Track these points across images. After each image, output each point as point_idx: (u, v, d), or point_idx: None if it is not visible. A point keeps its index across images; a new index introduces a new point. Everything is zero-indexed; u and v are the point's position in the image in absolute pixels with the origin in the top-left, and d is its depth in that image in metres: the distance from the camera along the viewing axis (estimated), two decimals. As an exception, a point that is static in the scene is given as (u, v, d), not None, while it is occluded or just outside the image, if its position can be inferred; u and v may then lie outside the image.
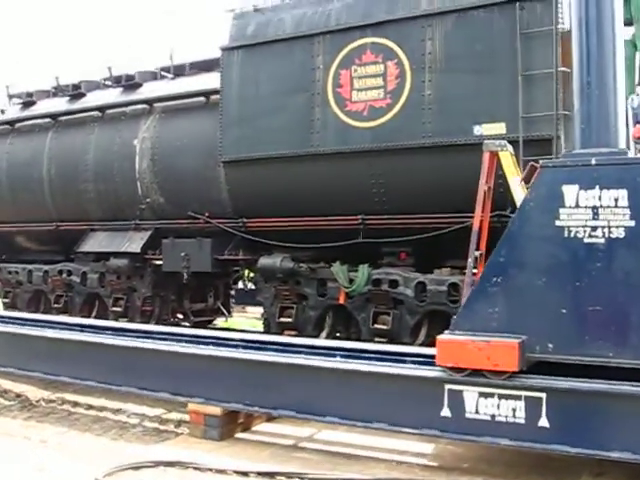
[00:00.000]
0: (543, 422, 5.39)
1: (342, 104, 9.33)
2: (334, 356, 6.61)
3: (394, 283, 9.35)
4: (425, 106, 8.82)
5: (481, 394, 5.55)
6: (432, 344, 9.14)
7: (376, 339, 9.48)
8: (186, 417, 7.06)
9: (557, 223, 5.44)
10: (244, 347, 7.20)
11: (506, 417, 5.49)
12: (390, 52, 9.04)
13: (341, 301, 9.71)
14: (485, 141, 6.33)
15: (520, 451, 5.71)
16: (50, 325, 8.74)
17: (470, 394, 5.58)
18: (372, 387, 6.07)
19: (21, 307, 13.57)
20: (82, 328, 8.45)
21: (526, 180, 6.06)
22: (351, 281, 9.55)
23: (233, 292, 14.09)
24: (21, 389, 8.65)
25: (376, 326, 9.41)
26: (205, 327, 13.15)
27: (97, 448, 6.52)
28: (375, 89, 9.11)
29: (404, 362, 6.30)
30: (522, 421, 5.45)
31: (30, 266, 13.49)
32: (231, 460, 6.09)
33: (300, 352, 6.83)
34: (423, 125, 8.83)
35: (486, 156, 6.29)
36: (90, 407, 7.94)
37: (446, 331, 5.80)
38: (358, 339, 9.85)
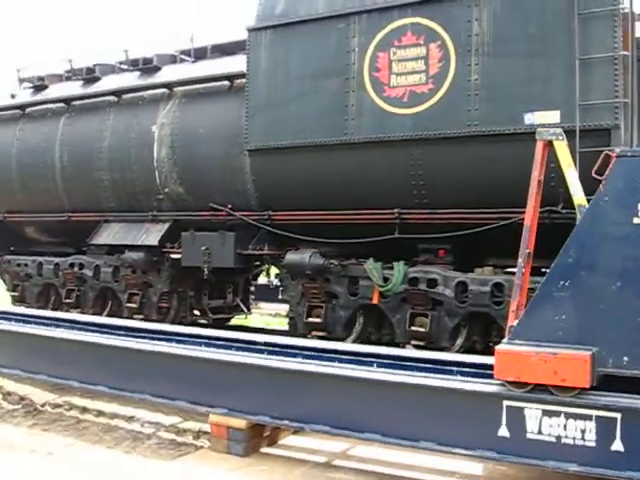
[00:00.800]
0: (617, 446, 4.75)
1: (380, 89, 8.65)
2: (371, 364, 5.98)
3: (432, 282, 8.69)
4: (471, 92, 8.14)
5: (545, 412, 4.91)
6: (471, 349, 8.60)
7: (412, 342, 8.83)
8: (205, 426, 6.41)
9: (635, 220, 4.83)
10: (270, 352, 6.56)
11: (574, 439, 4.85)
12: (433, 33, 8.36)
13: (375, 301, 9.04)
14: (539, 129, 5.64)
15: (580, 476, 5.01)
16: (57, 323, 8.14)
17: (532, 412, 4.94)
18: (417, 401, 5.41)
19: (30, 301, 12.98)
20: (92, 327, 7.85)
21: (599, 172, 5.38)
22: (385, 280, 8.89)
23: (253, 288, 13.42)
24: (25, 391, 8.04)
25: (413, 328, 8.75)
26: (223, 325, 12.63)
27: (109, 463, 5.89)
28: (416, 73, 8.44)
29: (451, 373, 5.66)
30: (592, 444, 4.81)
31: (40, 258, 12.85)
32: (259, 483, 5.44)
33: (333, 359, 6.19)
34: (469, 112, 8.16)
35: (539, 146, 5.61)
36: (100, 413, 7.32)
37: (504, 340, 5.14)
38: (391, 341, 9.28)
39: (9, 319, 8.53)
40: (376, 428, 5.47)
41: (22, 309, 9.78)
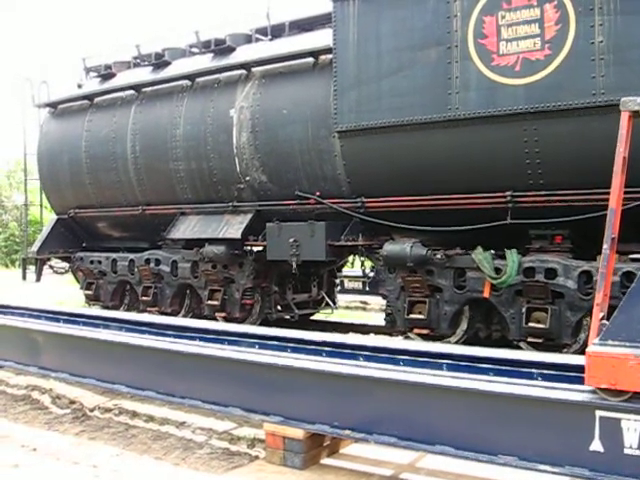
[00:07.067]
0: None
1: (487, 58, 7.76)
2: (440, 366, 5.24)
3: (552, 273, 7.79)
4: (596, 57, 7.21)
5: None
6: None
7: (529, 339, 7.96)
8: (261, 433, 5.72)
9: None
10: (328, 353, 5.83)
11: (681, 456, 3.99)
12: (547, -8, 7.45)
13: (486, 294, 8.16)
14: (623, 98, 4.65)
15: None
16: (105, 324, 7.65)
17: (631, 424, 4.08)
18: (493, 410, 4.59)
19: (105, 299, 12.45)
20: (142, 327, 7.30)
21: None
22: (497, 270, 8.01)
23: (339, 281, 12.61)
24: (76, 394, 7.49)
25: (530, 324, 7.86)
26: (307, 320, 11.94)
27: (156, 478, 5.23)
28: (530, 38, 7.52)
29: (531, 376, 4.87)
30: None
31: (114, 255, 12.30)
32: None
33: (397, 361, 5.45)
34: (593, 80, 7.23)
35: (624, 117, 4.65)
36: (150, 419, 6.70)
37: (595, 339, 4.24)
38: (502, 338, 8.43)
39: (57, 320, 8.07)
40: (448, 440, 4.69)
41: (68, 309, 9.15)
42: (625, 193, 7.16)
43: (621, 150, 4.63)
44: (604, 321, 4.34)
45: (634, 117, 4.62)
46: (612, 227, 4.56)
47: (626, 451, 4.07)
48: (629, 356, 4.04)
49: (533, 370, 4.93)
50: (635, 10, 7.01)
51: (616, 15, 7.10)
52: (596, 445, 4.16)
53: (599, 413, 4.16)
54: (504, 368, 5.05)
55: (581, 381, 4.29)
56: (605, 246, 4.49)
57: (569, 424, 4.28)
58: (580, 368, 4.36)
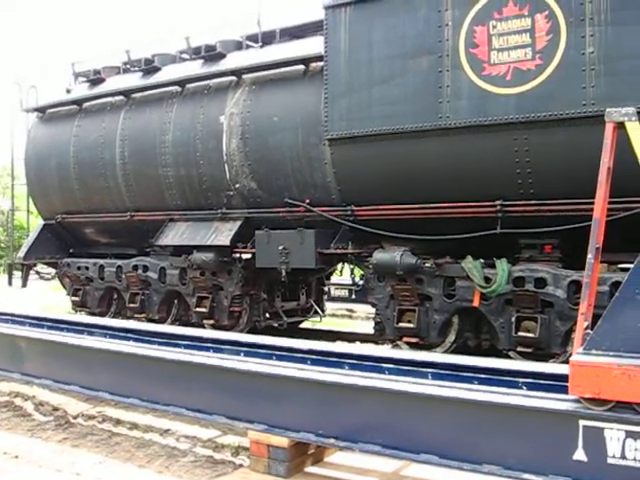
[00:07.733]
0: None
1: (478, 67, 7.78)
2: (425, 375, 5.21)
3: (541, 282, 7.81)
4: (586, 67, 7.24)
5: (629, 434, 4.04)
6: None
7: (518, 349, 7.96)
8: (245, 441, 5.71)
9: None
10: (313, 361, 5.78)
11: (663, 465, 4.00)
12: (539, 3, 7.47)
13: (475, 304, 8.16)
14: (608, 109, 4.68)
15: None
16: (90, 330, 7.54)
17: (614, 433, 4.09)
18: (477, 418, 4.59)
19: (92, 306, 12.39)
20: (128, 334, 7.21)
21: None
22: (487, 280, 8.01)
23: (327, 289, 12.59)
24: (59, 401, 7.47)
25: (519, 334, 7.86)
26: (297, 329, 11.91)
27: None
28: (520, 48, 7.55)
29: (516, 385, 4.84)
30: (688, 470, 3.95)
31: (102, 261, 12.23)
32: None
33: (382, 369, 5.41)
34: (583, 90, 7.26)
35: (609, 128, 4.69)
36: (134, 426, 6.67)
37: (579, 349, 4.26)
38: (491, 347, 8.47)
39: (41, 326, 8.00)
40: (433, 448, 4.69)
41: (53, 314, 9.08)
42: (612, 203, 7.31)
43: (605, 160, 4.66)
44: (588, 330, 4.36)
45: (619, 128, 4.64)
46: (596, 237, 4.58)
47: (609, 460, 4.08)
48: (612, 365, 4.05)
49: (518, 379, 4.90)
50: (625, 21, 7.04)
51: (607, 26, 7.14)
52: (579, 454, 4.17)
53: (583, 422, 4.17)
54: (489, 377, 5.03)
55: (565, 390, 4.29)
56: (590, 256, 4.52)
57: (553, 433, 4.28)
58: (564, 377, 4.36)
